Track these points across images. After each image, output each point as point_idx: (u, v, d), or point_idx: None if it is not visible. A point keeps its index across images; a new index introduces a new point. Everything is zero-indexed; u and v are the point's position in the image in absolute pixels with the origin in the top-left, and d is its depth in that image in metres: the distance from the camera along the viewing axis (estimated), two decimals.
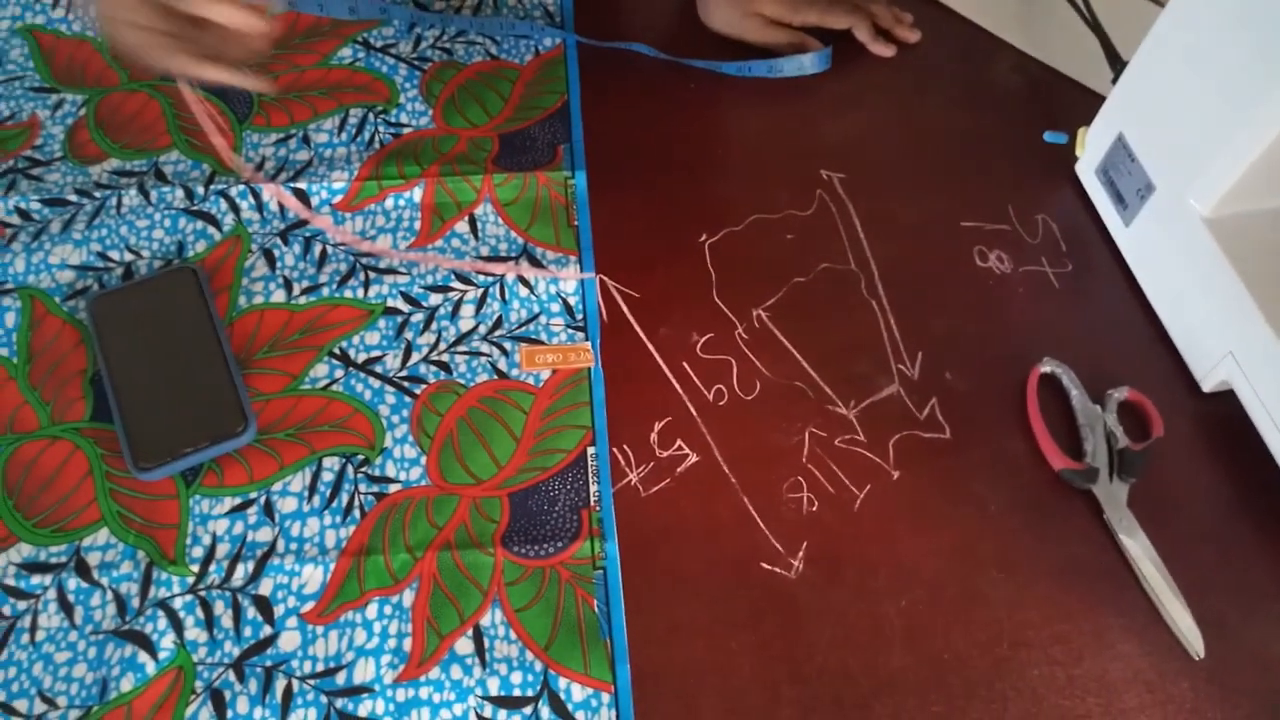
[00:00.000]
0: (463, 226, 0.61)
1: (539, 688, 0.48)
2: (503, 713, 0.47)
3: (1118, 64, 0.64)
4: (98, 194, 0.61)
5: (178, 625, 0.49)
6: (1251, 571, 0.53)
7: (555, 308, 0.59)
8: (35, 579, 0.49)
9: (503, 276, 0.60)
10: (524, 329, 0.58)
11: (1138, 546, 0.52)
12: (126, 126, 0.64)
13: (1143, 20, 0.59)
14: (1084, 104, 0.66)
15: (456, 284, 0.59)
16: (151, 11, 0.51)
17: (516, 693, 0.48)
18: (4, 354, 0.55)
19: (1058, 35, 0.72)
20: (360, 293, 0.58)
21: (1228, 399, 0.56)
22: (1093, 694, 0.49)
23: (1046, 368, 0.57)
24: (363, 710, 0.47)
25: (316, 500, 0.52)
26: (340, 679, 0.48)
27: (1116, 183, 0.62)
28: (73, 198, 0.61)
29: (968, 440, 0.56)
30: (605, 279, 0.60)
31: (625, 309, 0.59)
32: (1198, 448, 0.56)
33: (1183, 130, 0.56)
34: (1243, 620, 0.51)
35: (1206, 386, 0.57)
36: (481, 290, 0.59)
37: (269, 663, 0.48)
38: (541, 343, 0.58)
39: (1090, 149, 0.64)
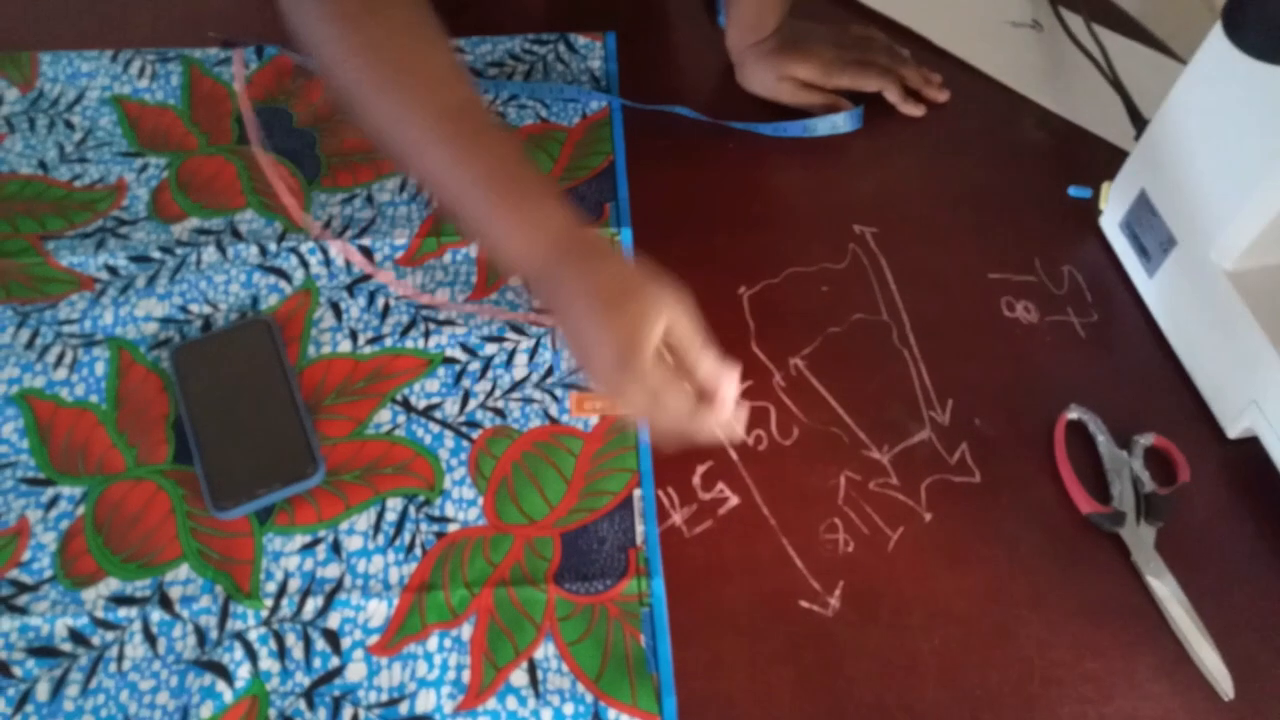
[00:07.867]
0: (516, 280, 0.65)
1: (590, 718, 0.50)
2: None
3: (1139, 121, 0.67)
4: (179, 251, 0.66)
5: (253, 656, 0.52)
6: None
7: None
8: (122, 611, 0.53)
9: (554, 327, 0.63)
10: (573, 376, 0.61)
11: (1166, 588, 0.54)
12: (205, 188, 0.69)
13: (1164, 79, 0.62)
14: (1107, 159, 0.69)
15: (511, 334, 0.63)
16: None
17: None
18: (94, 400, 0.60)
19: (1081, 93, 0.74)
20: (421, 343, 0.62)
21: (1253, 445, 0.58)
22: None
23: (1074, 414, 0.59)
24: None
25: (381, 539, 0.56)
26: (404, 709, 0.51)
27: (1140, 236, 0.64)
28: (156, 254, 0.65)
29: (998, 484, 0.58)
30: None
31: None
32: (1224, 492, 0.58)
33: (1203, 186, 0.58)
34: (1272, 661, 0.52)
35: (1232, 433, 0.59)
36: (534, 340, 0.63)
37: (337, 692, 0.51)
38: (590, 390, 0.61)
39: (1113, 203, 0.66)
